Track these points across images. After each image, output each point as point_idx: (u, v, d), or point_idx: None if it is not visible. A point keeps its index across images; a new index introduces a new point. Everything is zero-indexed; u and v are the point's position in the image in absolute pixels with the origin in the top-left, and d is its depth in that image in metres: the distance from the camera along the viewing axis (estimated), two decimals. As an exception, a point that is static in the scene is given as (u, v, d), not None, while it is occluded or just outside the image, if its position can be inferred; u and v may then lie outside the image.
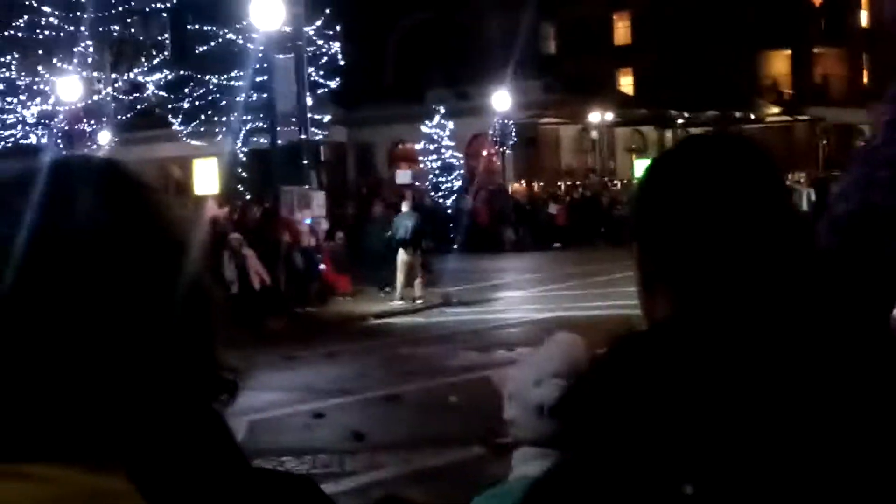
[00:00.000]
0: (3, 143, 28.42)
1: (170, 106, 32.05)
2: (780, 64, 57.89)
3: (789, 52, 57.00)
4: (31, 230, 1.04)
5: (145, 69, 30.24)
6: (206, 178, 36.99)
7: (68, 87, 27.73)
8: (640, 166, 40.10)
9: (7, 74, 29.06)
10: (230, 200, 27.47)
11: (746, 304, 1.37)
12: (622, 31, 57.13)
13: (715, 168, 1.48)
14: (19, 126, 29.45)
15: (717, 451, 1.27)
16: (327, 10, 31.29)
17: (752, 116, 52.26)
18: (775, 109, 55.06)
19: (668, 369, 1.33)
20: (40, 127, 29.02)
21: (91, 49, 28.79)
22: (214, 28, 29.68)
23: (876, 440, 1.30)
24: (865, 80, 54.83)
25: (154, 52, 30.29)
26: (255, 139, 31.24)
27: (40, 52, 28.72)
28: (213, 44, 29.98)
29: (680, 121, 48.50)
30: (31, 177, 1.08)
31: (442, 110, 43.57)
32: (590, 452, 1.35)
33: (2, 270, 1.03)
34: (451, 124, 43.51)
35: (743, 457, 1.27)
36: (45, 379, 1.02)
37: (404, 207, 23.38)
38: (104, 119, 29.00)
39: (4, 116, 28.80)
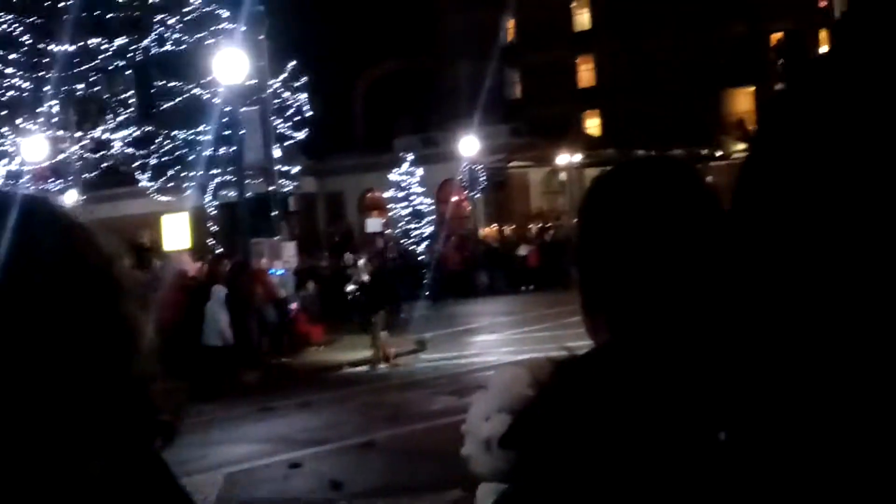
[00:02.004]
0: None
1: (137, 163, 31.97)
2: (744, 101, 58.55)
3: (753, 89, 57.69)
4: None
5: (111, 127, 30.17)
6: (176, 233, 36.83)
7: (34, 147, 27.65)
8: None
9: (-28, 137, 28.99)
10: (202, 255, 27.37)
11: (676, 330, 1.37)
12: (586, 73, 57.66)
13: (646, 195, 1.46)
14: (-15, 187, 29.39)
15: (655, 469, 1.27)
16: (293, 63, 31.41)
17: (719, 153, 52.74)
18: (741, 146, 55.58)
19: (604, 395, 1.33)
20: (6, 187, 28.91)
21: (56, 108, 28.75)
22: (179, 83, 29.71)
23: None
24: (828, 114, 55.35)
25: (119, 110, 30.26)
26: (224, 192, 31.19)
27: (5, 112, 28.67)
28: (178, 99, 29.98)
29: (647, 160, 48.83)
30: None
31: (410, 157, 43.76)
32: (537, 478, 1.34)
33: None
34: (420, 171, 43.71)
35: (678, 474, 1.27)
36: None
37: (360, 263, 22.51)
38: (71, 178, 28.90)
39: (-30, 178, 28.64)
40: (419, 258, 37.57)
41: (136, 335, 1.11)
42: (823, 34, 58.00)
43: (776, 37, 57.41)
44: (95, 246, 1.12)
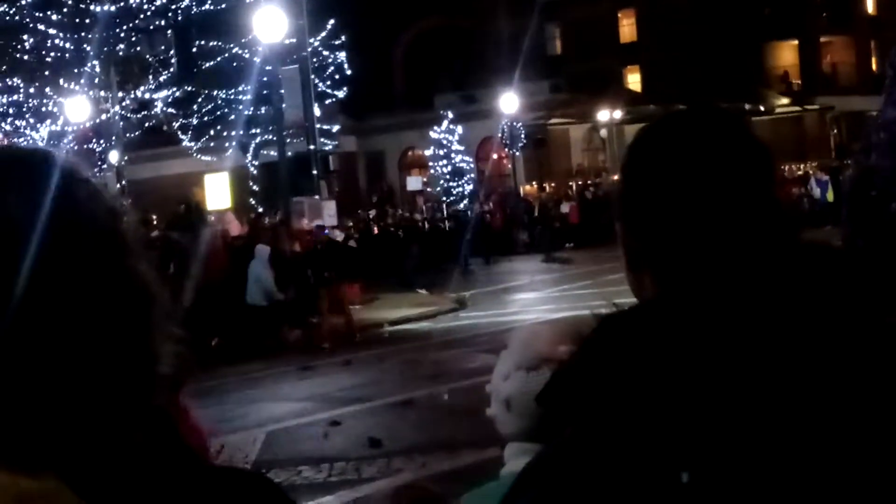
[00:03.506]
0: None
1: (178, 122, 32.13)
2: (787, 54, 57.71)
3: (796, 42, 56.81)
4: None
5: (152, 87, 30.29)
6: (218, 192, 37.07)
7: (76, 107, 27.81)
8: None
9: (16, 98, 29.23)
10: (243, 214, 27.54)
11: (726, 285, 1.34)
12: (627, 28, 57.01)
13: (693, 146, 1.43)
14: (30, 148, 29.54)
15: (708, 436, 1.25)
16: (332, 21, 31.35)
17: (762, 108, 52.09)
18: (785, 100, 54.87)
19: (651, 351, 1.30)
20: (49, 147, 29.04)
21: (97, 69, 28.88)
22: (219, 43, 29.75)
23: (860, 419, 1.26)
24: (874, 66, 54.59)
25: (160, 70, 30.35)
26: (264, 152, 31.32)
27: (47, 73, 28.89)
28: (218, 59, 30.05)
29: (689, 116, 48.30)
30: None
31: (450, 115, 43.60)
32: (578, 437, 1.32)
33: None
34: (459, 129, 43.55)
35: (735, 440, 1.24)
36: None
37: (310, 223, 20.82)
38: (113, 138, 29.07)
39: (15, 139, 28.87)
40: (460, 216, 37.52)
41: (145, 292, 1.09)
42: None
43: (821, -11, 56.48)
44: (100, 201, 1.10)
